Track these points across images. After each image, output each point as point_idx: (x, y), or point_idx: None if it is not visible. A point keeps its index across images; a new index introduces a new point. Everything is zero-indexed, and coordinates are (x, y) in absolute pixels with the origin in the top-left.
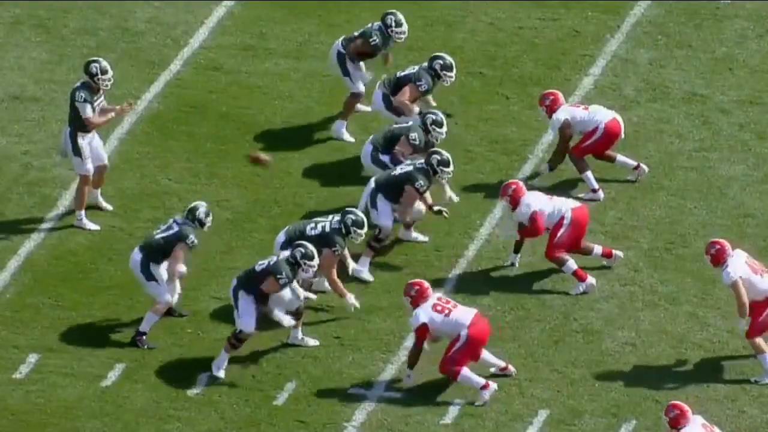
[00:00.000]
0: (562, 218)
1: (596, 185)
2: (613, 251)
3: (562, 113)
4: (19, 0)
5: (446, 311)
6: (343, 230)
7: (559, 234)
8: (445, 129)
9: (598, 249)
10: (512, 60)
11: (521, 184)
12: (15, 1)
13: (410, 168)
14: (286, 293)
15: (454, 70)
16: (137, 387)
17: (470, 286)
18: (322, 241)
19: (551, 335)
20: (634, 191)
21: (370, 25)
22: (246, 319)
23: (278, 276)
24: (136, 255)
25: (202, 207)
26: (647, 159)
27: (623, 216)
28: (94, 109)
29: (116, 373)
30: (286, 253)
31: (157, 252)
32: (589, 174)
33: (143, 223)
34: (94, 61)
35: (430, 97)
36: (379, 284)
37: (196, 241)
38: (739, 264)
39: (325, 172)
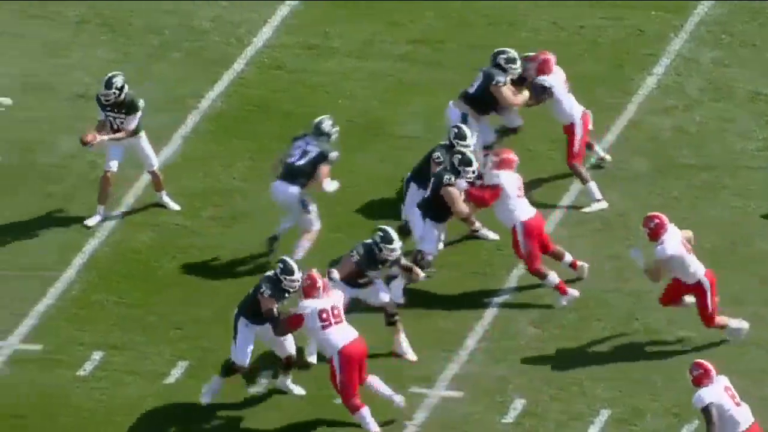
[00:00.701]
0: (515, 227)
1: (599, 195)
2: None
3: (553, 81)
4: None
5: (328, 323)
6: (373, 247)
7: (522, 245)
8: (469, 141)
9: (568, 257)
10: (575, 59)
11: (515, 159)
12: (81, 0)
13: (435, 176)
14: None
15: (519, 62)
16: (200, 385)
17: (531, 285)
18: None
19: (613, 334)
20: (697, 191)
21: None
22: (240, 353)
23: (261, 290)
24: (290, 187)
25: (326, 120)
26: (710, 158)
27: (687, 215)
28: (108, 118)
29: (179, 371)
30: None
31: (306, 176)
32: (592, 185)
33: (206, 221)
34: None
35: None
36: (440, 283)
37: (336, 154)
38: (675, 241)
39: (389, 171)
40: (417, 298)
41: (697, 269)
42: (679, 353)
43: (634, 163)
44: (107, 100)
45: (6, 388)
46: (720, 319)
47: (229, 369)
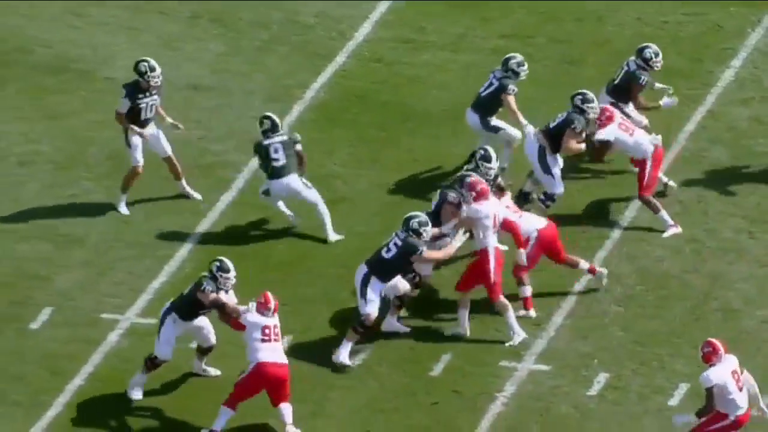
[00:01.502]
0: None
1: (671, 221)
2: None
3: (610, 133)
4: None
5: (267, 339)
6: (414, 234)
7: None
8: (493, 164)
9: (584, 264)
10: None
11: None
12: None
13: (440, 194)
14: (204, 324)
15: (595, 102)
16: (304, 357)
17: (615, 266)
18: (405, 253)
19: (692, 313)
20: None
21: (625, 67)
22: (164, 347)
23: (202, 288)
24: (472, 115)
25: (515, 58)
26: None
27: (762, 201)
28: (138, 106)
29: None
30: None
31: (485, 106)
32: (663, 214)
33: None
34: (143, 61)
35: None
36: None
37: (516, 89)
38: (488, 206)
39: None
40: (510, 278)
41: (489, 240)
42: (755, 331)
43: (712, 152)
44: (156, 82)
45: (124, 359)
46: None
47: (151, 363)
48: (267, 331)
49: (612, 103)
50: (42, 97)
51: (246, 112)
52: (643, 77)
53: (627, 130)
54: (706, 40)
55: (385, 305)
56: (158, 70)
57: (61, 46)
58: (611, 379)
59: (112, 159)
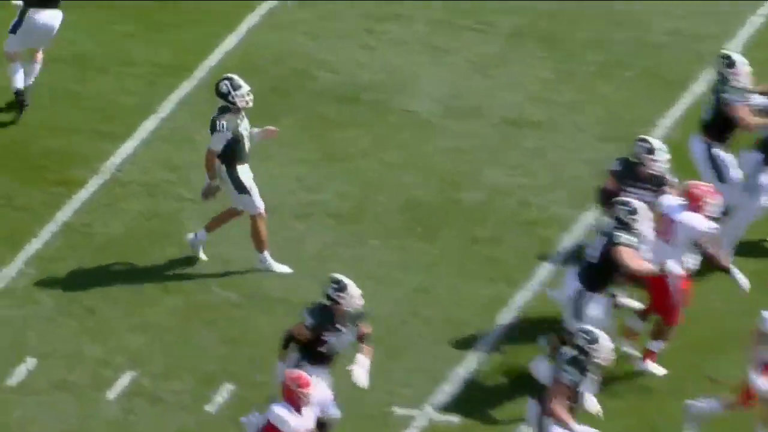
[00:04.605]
0: None
1: None
2: None
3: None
4: (522, 1)
5: None
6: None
7: None
8: None
9: None
10: None
11: None
12: (516, 10)
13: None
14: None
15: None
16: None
17: None
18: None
19: None
20: None
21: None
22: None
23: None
24: None
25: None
26: None
27: None
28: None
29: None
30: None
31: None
32: None
33: None
34: (224, 79)
35: None
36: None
37: None
38: None
39: None
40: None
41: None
42: None
43: None
44: (248, 101)
45: None
46: None
47: None
48: None
49: None
50: (324, 133)
51: (577, 155)
52: None
53: None
54: None
55: None
56: (245, 87)
57: (350, 70)
58: None
59: (407, 211)
